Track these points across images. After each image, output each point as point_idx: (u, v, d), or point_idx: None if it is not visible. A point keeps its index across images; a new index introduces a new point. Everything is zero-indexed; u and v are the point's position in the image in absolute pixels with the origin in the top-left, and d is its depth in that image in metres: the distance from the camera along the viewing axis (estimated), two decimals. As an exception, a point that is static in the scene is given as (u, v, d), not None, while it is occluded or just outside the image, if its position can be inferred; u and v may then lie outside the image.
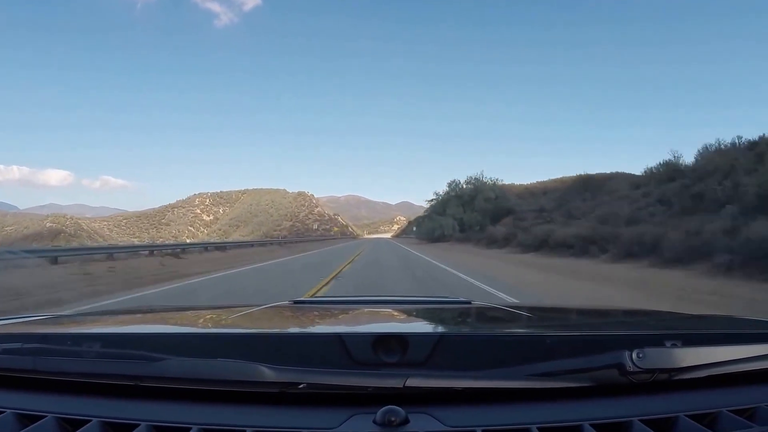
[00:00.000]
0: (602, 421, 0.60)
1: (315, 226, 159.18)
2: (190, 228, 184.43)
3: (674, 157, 21.52)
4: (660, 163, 22.37)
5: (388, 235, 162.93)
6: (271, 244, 36.57)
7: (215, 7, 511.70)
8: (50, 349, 0.72)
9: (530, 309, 1.51)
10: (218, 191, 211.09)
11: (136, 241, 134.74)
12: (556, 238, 17.69)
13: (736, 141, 18.96)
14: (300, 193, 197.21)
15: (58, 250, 15.42)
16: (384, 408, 0.59)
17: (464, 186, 50.34)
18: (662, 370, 0.64)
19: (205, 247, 23.84)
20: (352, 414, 0.61)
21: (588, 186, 34.78)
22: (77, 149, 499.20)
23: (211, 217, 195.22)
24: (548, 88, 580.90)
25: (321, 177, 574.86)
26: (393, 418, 0.58)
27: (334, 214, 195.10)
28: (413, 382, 0.62)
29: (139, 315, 1.35)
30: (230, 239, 79.24)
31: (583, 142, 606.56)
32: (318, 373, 0.63)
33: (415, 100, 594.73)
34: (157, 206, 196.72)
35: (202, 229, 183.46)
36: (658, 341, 0.69)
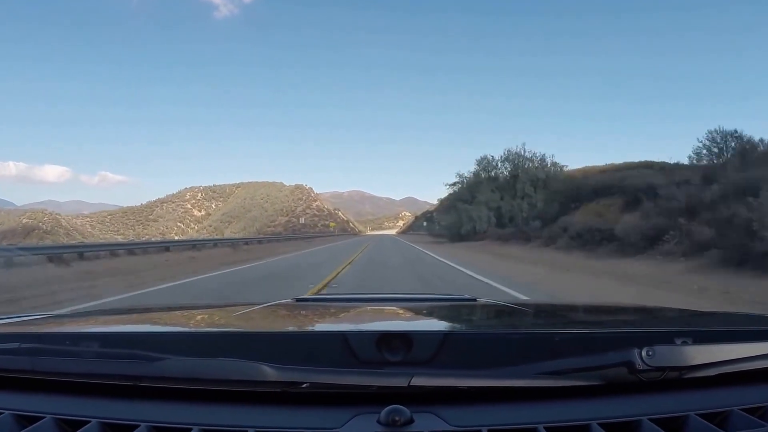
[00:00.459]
0: (611, 420, 0.60)
1: (302, 220, 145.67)
2: (179, 224, 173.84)
3: None
4: None
5: (393, 232, 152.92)
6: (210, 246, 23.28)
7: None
8: (48, 349, 0.72)
9: (537, 306, 1.54)
10: (211, 185, 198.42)
11: (120, 239, 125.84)
12: None
13: None
14: (297, 186, 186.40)
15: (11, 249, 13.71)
16: (388, 407, 0.59)
17: (500, 165, 37.74)
18: (672, 368, 0.64)
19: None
20: (356, 414, 0.61)
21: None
22: (75, 144, 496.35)
23: (203, 213, 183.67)
24: (551, 79, 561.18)
25: (324, 172, 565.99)
26: (397, 418, 0.58)
27: (334, 209, 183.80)
28: (418, 381, 0.61)
29: (137, 314, 1.34)
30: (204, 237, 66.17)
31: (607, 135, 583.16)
32: (321, 372, 0.63)
33: (418, 93, 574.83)
34: (145, 201, 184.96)
35: (192, 226, 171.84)
36: (668, 339, 0.69)
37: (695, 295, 6.62)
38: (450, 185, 39.96)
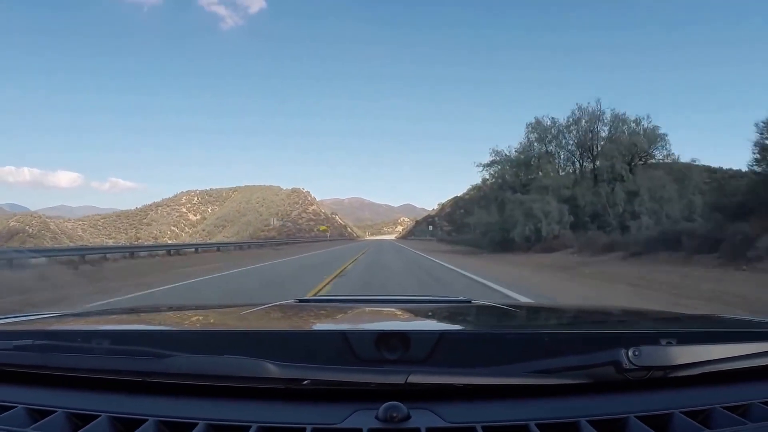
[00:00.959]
0: (599, 417, 0.63)
1: (274, 222, 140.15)
2: (173, 228, 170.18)
3: None
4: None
5: (392, 237, 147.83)
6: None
7: (221, 11, 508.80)
8: (60, 346, 0.75)
9: (530, 307, 1.64)
10: (207, 189, 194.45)
11: (111, 242, 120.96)
12: None
13: None
14: (294, 190, 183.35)
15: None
16: (386, 404, 0.62)
17: (566, 133, 23.76)
18: (657, 368, 0.67)
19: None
20: (356, 409, 0.64)
21: None
22: (87, 151, 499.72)
23: (198, 217, 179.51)
24: (547, 89, 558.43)
25: (325, 179, 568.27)
26: (395, 414, 0.61)
27: (332, 214, 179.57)
28: (415, 378, 0.64)
29: (146, 313, 1.37)
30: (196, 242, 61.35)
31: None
32: (322, 370, 0.66)
33: (415, 103, 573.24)
34: (140, 205, 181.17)
35: (186, 230, 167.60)
36: (653, 340, 0.72)
37: None
38: (484, 166, 25.41)
